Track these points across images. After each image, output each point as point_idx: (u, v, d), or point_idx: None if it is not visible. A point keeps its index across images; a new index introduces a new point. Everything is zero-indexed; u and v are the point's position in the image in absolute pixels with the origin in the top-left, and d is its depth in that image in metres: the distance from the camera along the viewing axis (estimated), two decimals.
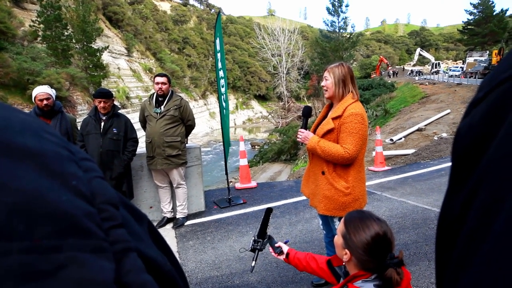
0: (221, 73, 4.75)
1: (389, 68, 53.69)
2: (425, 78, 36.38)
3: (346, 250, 1.23)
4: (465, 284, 0.21)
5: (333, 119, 2.19)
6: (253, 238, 1.70)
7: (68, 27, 22.26)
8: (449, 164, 0.27)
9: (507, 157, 0.20)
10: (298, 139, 2.34)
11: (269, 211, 1.72)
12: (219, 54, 4.72)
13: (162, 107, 3.89)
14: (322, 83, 2.30)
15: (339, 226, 1.30)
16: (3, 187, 0.16)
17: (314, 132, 2.32)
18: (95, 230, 0.18)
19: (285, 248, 1.71)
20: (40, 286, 0.15)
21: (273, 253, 1.73)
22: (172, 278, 0.24)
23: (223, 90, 4.74)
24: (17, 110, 0.21)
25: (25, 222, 0.16)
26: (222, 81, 4.74)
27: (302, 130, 2.32)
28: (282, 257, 1.70)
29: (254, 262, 1.70)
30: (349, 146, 2.11)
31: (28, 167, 0.17)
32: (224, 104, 4.74)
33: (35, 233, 0.16)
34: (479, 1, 49.01)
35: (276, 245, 1.72)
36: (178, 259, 3.36)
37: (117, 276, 0.18)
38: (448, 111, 13.35)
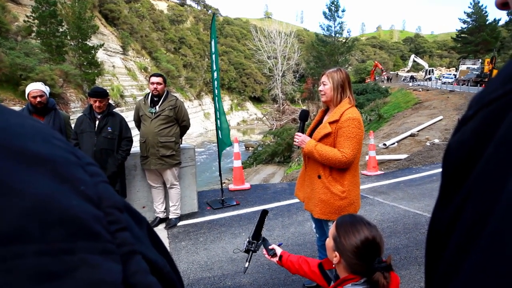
0: (215, 74, 4.77)
1: (384, 73, 54.17)
2: (418, 84, 36.82)
3: (336, 253, 1.25)
4: None
5: (330, 123, 2.21)
6: (247, 239, 1.71)
7: (63, 24, 22.08)
8: (441, 170, 0.29)
9: (493, 174, 0.21)
10: (295, 143, 2.35)
11: (264, 213, 1.73)
12: (214, 56, 4.74)
13: (157, 107, 3.88)
14: (320, 88, 2.32)
15: (331, 229, 1.33)
16: (18, 192, 0.16)
17: (309, 136, 2.34)
18: (103, 233, 0.19)
19: (279, 251, 1.72)
20: (54, 287, 0.16)
21: (266, 255, 1.74)
22: (171, 280, 0.25)
23: (217, 91, 4.76)
24: (27, 117, 0.22)
25: (39, 225, 0.16)
26: (217, 83, 4.76)
27: (299, 133, 2.32)
28: (275, 259, 1.71)
29: (247, 263, 1.71)
30: (346, 150, 2.13)
31: (40, 172, 0.18)
32: (217, 105, 4.76)
33: (49, 236, 0.16)
34: (473, 10, 49.85)
35: (270, 247, 1.73)
36: None
37: (124, 278, 0.19)
38: (441, 117, 13.52)
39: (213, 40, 4.72)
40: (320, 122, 2.40)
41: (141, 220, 0.26)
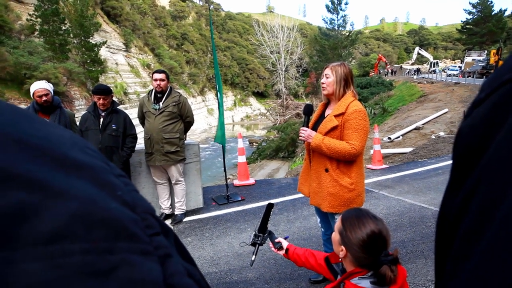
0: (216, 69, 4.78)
1: (388, 66, 53.69)
2: (423, 77, 36.46)
3: (342, 247, 1.25)
4: (462, 279, 0.22)
5: (336, 116, 2.20)
6: (253, 233, 1.72)
7: (65, 22, 22.11)
8: (447, 163, 0.28)
9: (505, 158, 0.20)
10: (300, 138, 2.33)
11: (270, 206, 1.73)
12: (213, 51, 4.76)
13: (161, 103, 3.88)
14: (323, 80, 2.31)
15: (337, 223, 1.32)
16: (64, 194, 0.18)
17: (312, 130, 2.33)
18: (141, 235, 0.20)
19: (285, 244, 1.73)
20: (99, 283, 0.17)
21: (272, 248, 1.75)
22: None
23: (218, 87, 4.77)
24: (65, 129, 0.24)
25: (84, 226, 0.17)
26: (217, 78, 4.76)
27: (305, 128, 2.31)
28: (282, 252, 1.72)
29: (254, 256, 1.72)
30: (355, 142, 2.14)
31: (81, 178, 0.19)
32: (220, 101, 4.77)
33: (93, 236, 0.18)
34: (478, 1, 49.12)
35: (276, 240, 1.74)
36: None
37: (163, 278, 0.20)
38: (446, 110, 13.39)
39: (211, 34, 4.76)
40: (321, 116, 2.39)
41: (167, 231, 0.26)
